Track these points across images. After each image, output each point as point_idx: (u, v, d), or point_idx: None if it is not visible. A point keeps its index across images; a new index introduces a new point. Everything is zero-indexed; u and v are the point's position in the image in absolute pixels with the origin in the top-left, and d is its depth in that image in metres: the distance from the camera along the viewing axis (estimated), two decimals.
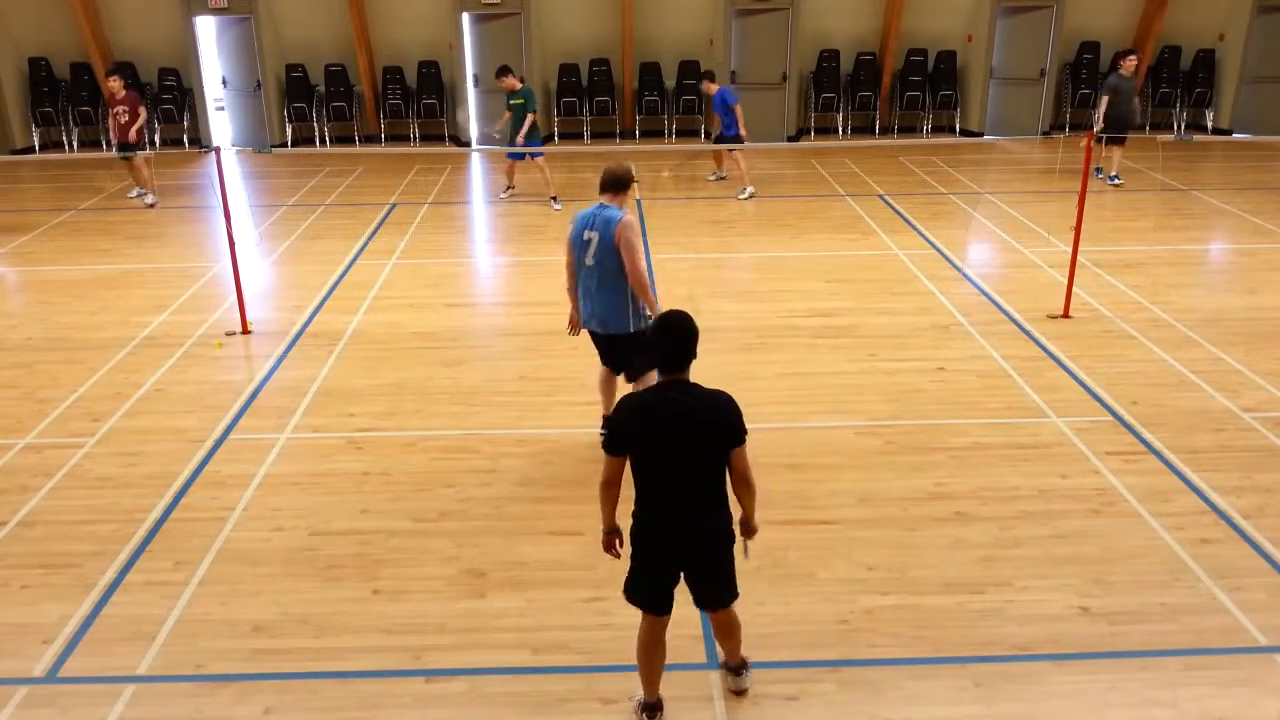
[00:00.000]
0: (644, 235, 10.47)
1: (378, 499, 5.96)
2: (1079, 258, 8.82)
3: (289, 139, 17.63)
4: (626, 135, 17.86)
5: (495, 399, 7.30)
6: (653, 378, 3.71)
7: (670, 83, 17.51)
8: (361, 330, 8.72)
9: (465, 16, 16.97)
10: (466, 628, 4.81)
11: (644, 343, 4.62)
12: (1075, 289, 8.79)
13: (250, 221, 12.63)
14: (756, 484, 3.94)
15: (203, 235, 12.01)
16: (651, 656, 4.05)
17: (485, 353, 8.32)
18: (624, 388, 6.08)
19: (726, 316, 8.84)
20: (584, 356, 7.02)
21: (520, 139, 12.63)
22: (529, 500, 5.92)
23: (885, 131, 18.07)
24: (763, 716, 4.21)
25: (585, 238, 5.93)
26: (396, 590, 5.09)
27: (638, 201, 13.03)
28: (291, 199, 13.90)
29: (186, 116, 17.44)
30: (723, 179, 14.32)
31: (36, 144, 17.37)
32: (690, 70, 17.04)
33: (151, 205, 13.31)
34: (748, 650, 4.36)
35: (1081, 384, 7.38)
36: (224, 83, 17.78)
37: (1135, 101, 13.26)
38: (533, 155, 12.87)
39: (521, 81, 13.04)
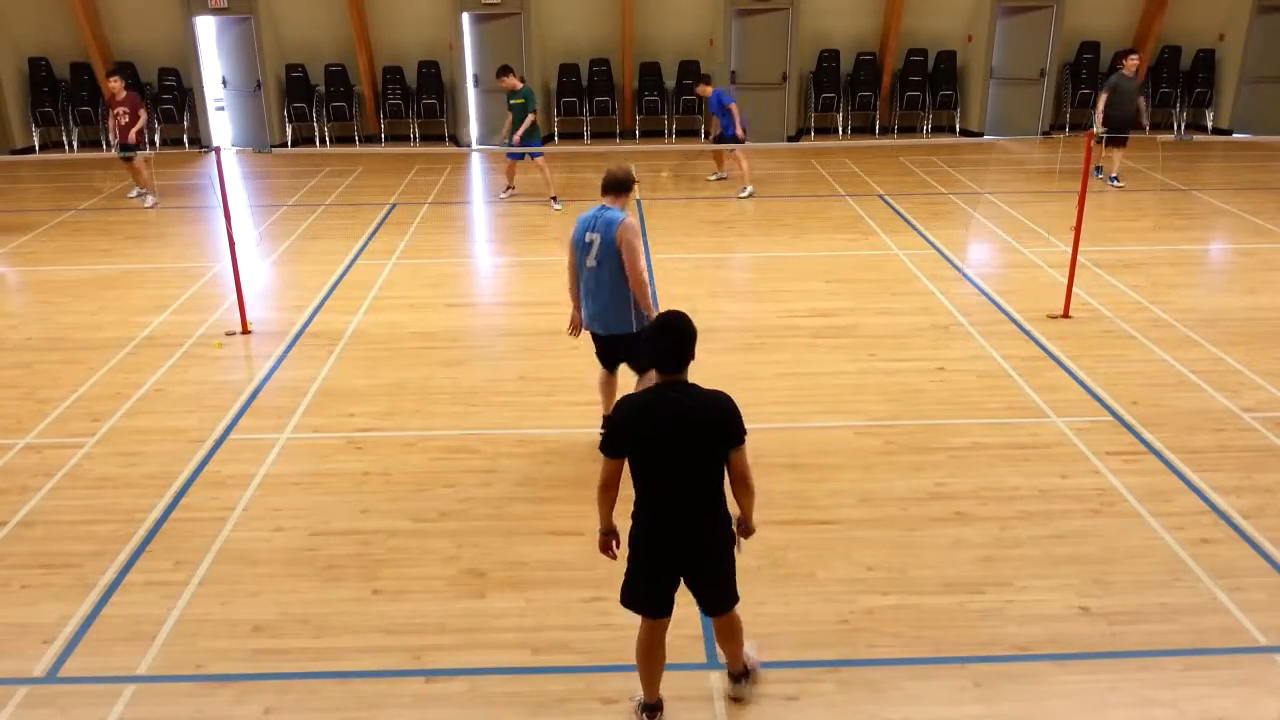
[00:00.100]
0: (644, 235, 10.45)
1: (378, 499, 5.96)
2: (1079, 258, 8.82)
3: (289, 139, 17.63)
4: (626, 135, 17.86)
5: (495, 399, 7.31)
6: (653, 377, 3.71)
7: (670, 83, 17.51)
8: (361, 330, 8.72)
9: (465, 16, 16.97)
10: (466, 628, 4.81)
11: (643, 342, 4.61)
12: (1075, 289, 8.80)
13: (250, 221, 12.63)
14: (756, 484, 3.93)
15: (203, 235, 12.01)
16: (651, 659, 4.05)
17: (485, 353, 8.32)
18: (624, 388, 6.07)
19: (726, 316, 8.84)
20: (584, 357, 7.03)
21: (517, 138, 12.63)
22: (529, 500, 5.92)
23: (885, 131, 18.06)
24: (763, 716, 4.21)
25: (587, 239, 5.95)
26: (396, 590, 5.09)
27: (638, 202, 13.03)
28: (291, 199, 13.90)
29: (186, 116, 17.44)
30: (723, 179, 14.32)
31: (36, 144, 17.37)
32: (690, 70, 17.02)
33: (152, 206, 13.32)
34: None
35: (1081, 384, 7.38)
36: (224, 83, 17.77)
37: (1140, 101, 13.18)
38: (532, 155, 12.88)
39: (522, 81, 13.04)
